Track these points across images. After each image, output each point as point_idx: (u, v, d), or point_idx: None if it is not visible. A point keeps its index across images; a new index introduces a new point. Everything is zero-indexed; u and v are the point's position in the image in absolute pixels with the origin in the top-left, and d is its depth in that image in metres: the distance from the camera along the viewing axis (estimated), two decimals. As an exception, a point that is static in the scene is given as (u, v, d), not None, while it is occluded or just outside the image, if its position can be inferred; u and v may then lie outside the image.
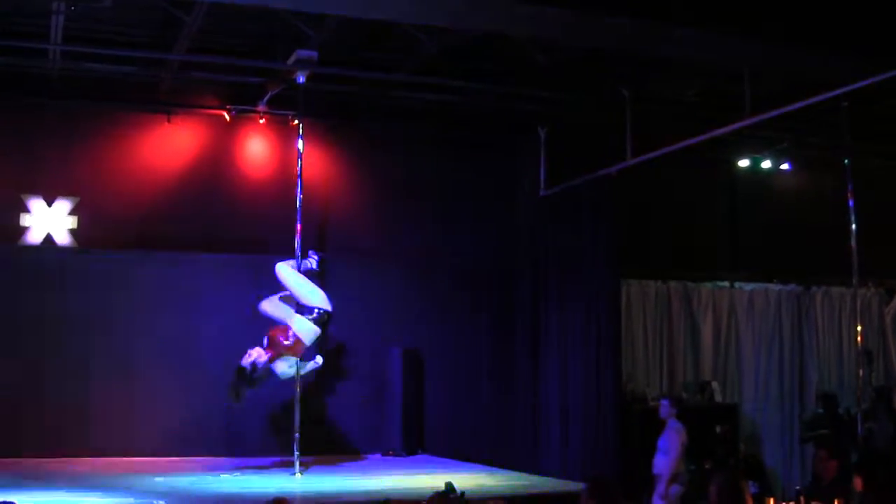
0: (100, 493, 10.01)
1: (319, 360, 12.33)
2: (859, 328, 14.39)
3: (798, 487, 11.92)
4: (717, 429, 15.60)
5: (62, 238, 13.51)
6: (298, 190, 12.60)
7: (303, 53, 12.02)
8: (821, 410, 15.71)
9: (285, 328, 11.70)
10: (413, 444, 14.30)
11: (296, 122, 13.15)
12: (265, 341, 11.69)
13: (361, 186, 14.71)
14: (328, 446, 13.99)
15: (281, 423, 13.06)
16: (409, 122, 14.64)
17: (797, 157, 16.65)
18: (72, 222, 13.54)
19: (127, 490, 10.27)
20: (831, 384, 16.72)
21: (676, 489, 12.71)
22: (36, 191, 13.44)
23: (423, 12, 10.23)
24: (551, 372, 14.74)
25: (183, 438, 13.45)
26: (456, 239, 14.90)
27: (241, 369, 11.50)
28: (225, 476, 11.71)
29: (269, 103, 13.84)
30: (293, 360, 11.77)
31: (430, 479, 10.39)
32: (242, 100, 14.01)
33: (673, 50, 11.14)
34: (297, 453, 11.91)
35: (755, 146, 16.30)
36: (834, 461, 11.08)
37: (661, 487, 12.69)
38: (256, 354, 11.58)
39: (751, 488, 7.83)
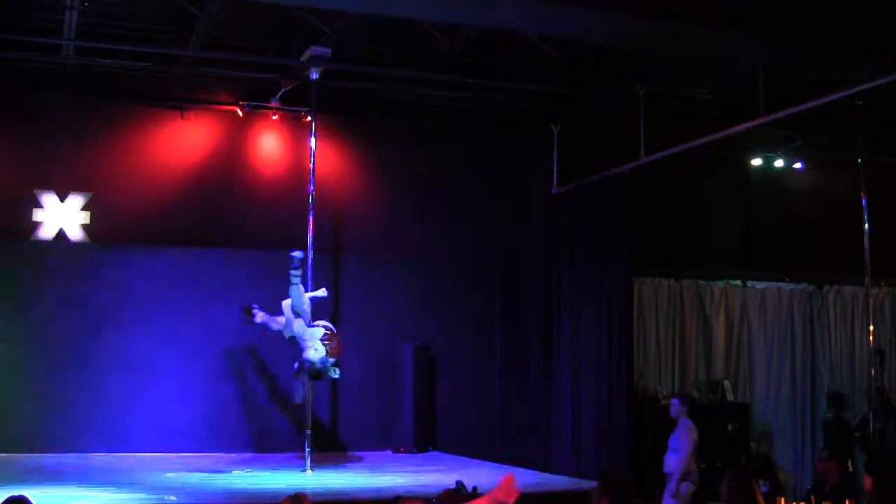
0: (111, 489, 10.02)
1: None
2: (871, 327, 14.36)
3: (809, 487, 11.91)
4: (729, 427, 15.59)
5: (75, 233, 13.52)
6: (311, 186, 12.61)
7: (317, 50, 12.04)
8: (828, 413, 15.70)
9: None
10: (424, 441, 14.28)
11: (309, 118, 13.15)
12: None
13: (374, 183, 14.70)
14: (339, 443, 14.04)
15: (292, 420, 13.09)
16: (423, 119, 14.61)
17: (810, 156, 16.61)
18: (84, 218, 13.55)
19: (138, 485, 10.30)
20: (843, 384, 16.68)
21: (687, 487, 12.68)
22: (48, 186, 13.45)
23: (437, 10, 10.23)
24: (563, 370, 14.74)
25: (195, 434, 13.49)
26: (468, 236, 14.89)
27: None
28: (236, 472, 11.73)
29: (283, 99, 13.84)
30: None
31: (441, 477, 10.37)
32: (256, 96, 14.02)
33: (688, 48, 11.12)
34: (308, 450, 11.92)
35: (769, 145, 16.27)
36: (834, 462, 11.07)
37: (671, 486, 12.67)
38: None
39: (761, 487, 7.82)
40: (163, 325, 13.44)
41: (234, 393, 13.71)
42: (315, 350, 11.65)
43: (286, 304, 11.96)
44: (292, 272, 11.75)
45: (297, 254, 11.78)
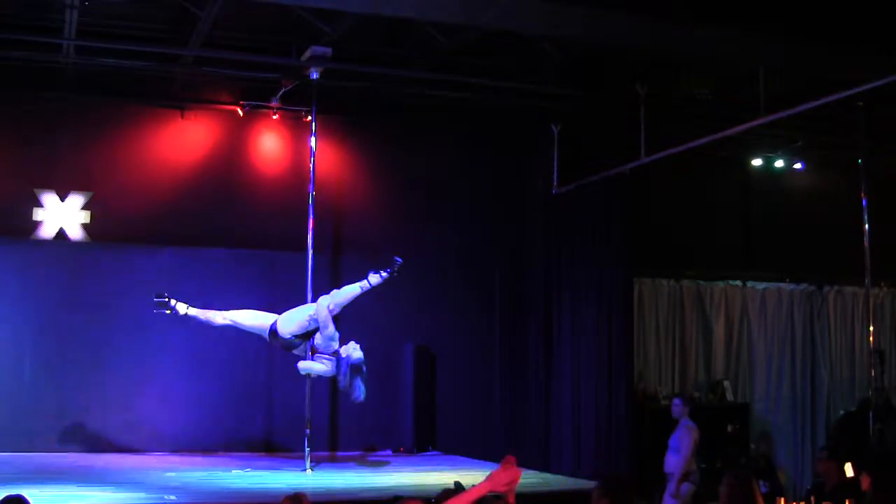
0: (111, 488, 10.00)
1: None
2: (871, 328, 14.34)
3: (809, 487, 11.88)
4: (729, 428, 15.60)
5: (75, 233, 13.52)
6: (311, 186, 12.61)
7: (317, 49, 12.03)
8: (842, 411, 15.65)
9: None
10: (424, 441, 14.29)
11: (309, 118, 13.14)
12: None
13: (374, 183, 14.70)
14: (339, 443, 14.03)
15: (292, 420, 13.09)
16: (423, 120, 14.61)
17: (811, 157, 16.61)
18: (84, 217, 13.54)
19: (138, 485, 10.29)
20: (843, 384, 16.69)
21: (688, 488, 12.68)
22: (49, 185, 13.44)
23: (437, 10, 10.22)
24: (564, 370, 14.73)
25: (195, 434, 13.49)
26: (469, 236, 14.89)
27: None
28: (236, 472, 11.71)
29: (283, 99, 13.84)
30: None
31: (441, 477, 10.37)
32: (256, 95, 14.01)
33: (688, 48, 11.11)
34: (307, 449, 11.93)
35: (769, 145, 16.27)
36: (833, 462, 11.03)
37: (672, 486, 12.67)
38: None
39: (761, 488, 7.82)
40: (163, 324, 13.37)
41: (235, 393, 13.71)
42: (359, 349, 11.60)
43: (326, 302, 11.59)
44: (383, 274, 11.63)
45: (400, 259, 11.72)
